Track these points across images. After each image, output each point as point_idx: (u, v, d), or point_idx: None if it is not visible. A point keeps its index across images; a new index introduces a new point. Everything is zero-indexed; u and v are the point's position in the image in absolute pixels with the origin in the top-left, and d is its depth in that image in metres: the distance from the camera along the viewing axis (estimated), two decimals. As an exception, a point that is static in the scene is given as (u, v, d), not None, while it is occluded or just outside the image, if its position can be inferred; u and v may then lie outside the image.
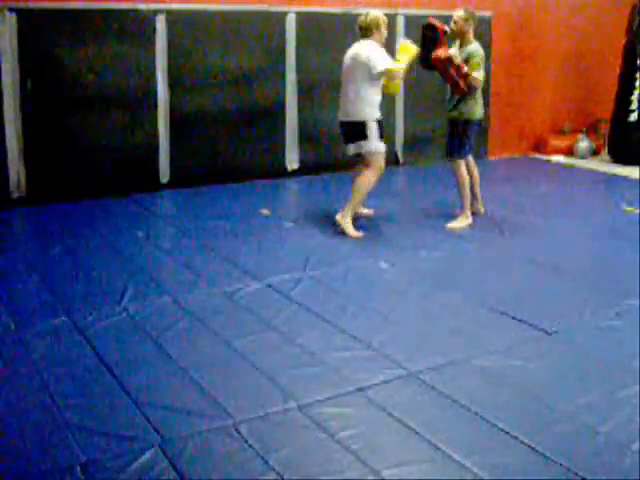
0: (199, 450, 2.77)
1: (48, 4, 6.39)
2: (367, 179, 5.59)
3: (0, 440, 2.84)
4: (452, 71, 5.57)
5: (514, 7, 8.81)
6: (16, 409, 3.07)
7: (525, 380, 3.34)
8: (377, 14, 5.56)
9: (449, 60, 5.53)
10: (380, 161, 5.59)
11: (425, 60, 5.73)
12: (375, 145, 5.53)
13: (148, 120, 6.94)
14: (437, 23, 5.65)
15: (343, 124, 5.66)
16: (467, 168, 5.97)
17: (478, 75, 5.60)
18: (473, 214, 6.06)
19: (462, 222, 5.85)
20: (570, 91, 9.39)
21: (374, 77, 5.42)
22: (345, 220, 5.57)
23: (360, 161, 5.69)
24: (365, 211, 6.05)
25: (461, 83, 5.59)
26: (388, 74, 5.42)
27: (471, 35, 5.73)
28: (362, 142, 5.51)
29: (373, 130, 5.49)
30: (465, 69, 5.56)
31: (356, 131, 5.52)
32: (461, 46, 5.75)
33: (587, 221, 6.20)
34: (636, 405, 3.09)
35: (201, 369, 3.41)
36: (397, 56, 5.56)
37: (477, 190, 6.10)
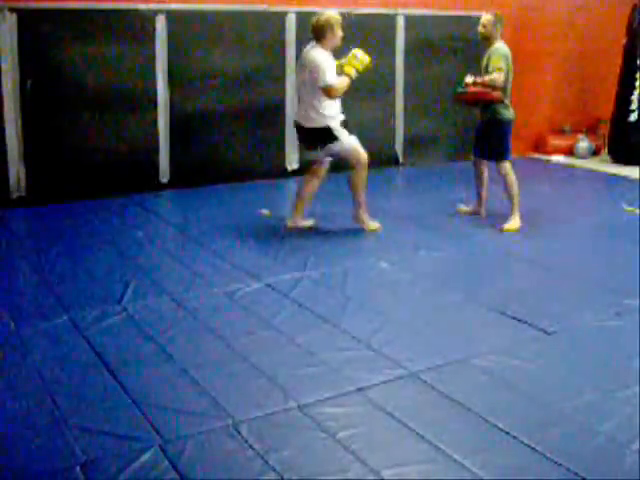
0: (199, 450, 2.77)
1: (48, 4, 6.39)
2: (359, 177, 5.52)
3: (0, 440, 2.84)
4: (478, 94, 5.66)
5: (514, 7, 8.81)
6: (16, 409, 3.06)
7: (525, 380, 3.34)
8: (330, 15, 5.32)
9: (468, 89, 5.70)
10: (361, 153, 5.49)
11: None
12: (348, 142, 5.43)
13: (148, 120, 6.93)
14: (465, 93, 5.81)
15: (303, 129, 5.50)
16: (480, 169, 5.96)
17: (495, 75, 5.52)
18: (475, 214, 6.06)
19: (516, 223, 5.77)
20: (570, 91, 9.39)
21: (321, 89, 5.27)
22: (363, 218, 5.60)
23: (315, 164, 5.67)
24: (307, 223, 5.82)
25: (490, 95, 5.59)
26: (327, 91, 5.24)
27: (497, 37, 5.69)
28: (334, 143, 5.39)
29: (339, 130, 5.39)
30: (486, 78, 5.57)
31: (322, 136, 5.39)
32: (488, 49, 5.74)
33: (587, 221, 6.20)
34: (636, 405, 3.09)
35: (201, 369, 3.41)
36: (348, 66, 5.33)
37: (484, 192, 6.08)
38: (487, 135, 5.81)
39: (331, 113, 5.37)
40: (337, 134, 5.38)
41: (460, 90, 5.80)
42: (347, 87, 5.36)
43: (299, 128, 5.60)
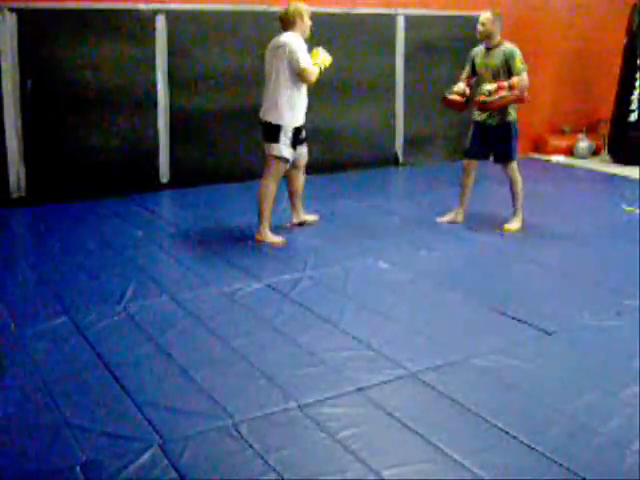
0: (199, 450, 2.77)
1: (48, 4, 6.39)
2: (268, 187, 5.36)
3: (0, 440, 2.84)
4: (510, 99, 5.49)
5: (514, 7, 8.81)
6: (16, 409, 3.06)
7: (525, 380, 3.34)
8: (299, 5, 5.31)
9: (495, 96, 5.50)
10: (280, 168, 5.35)
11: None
12: (282, 151, 5.27)
13: (148, 120, 6.94)
14: (450, 98, 5.75)
15: (261, 123, 5.39)
16: (472, 172, 5.88)
17: (524, 77, 5.46)
18: (454, 223, 5.94)
19: (517, 224, 5.76)
20: (570, 91, 9.39)
21: (297, 73, 5.16)
22: (264, 234, 5.38)
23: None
24: (310, 218, 5.86)
25: (523, 97, 5.52)
26: (303, 74, 5.14)
27: (498, 36, 5.60)
28: (272, 144, 5.26)
29: (288, 135, 5.24)
30: (512, 81, 5.44)
31: (269, 132, 5.27)
32: (489, 49, 5.63)
33: (587, 221, 6.20)
34: (636, 405, 3.09)
35: (201, 369, 3.41)
36: (317, 58, 5.27)
37: (468, 197, 5.97)
38: (499, 137, 5.71)
39: (291, 115, 5.24)
40: (280, 138, 5.23)
41: (489, 99, 5.51)
42: (318, 77, 5.25)
43: (260, 123, 5.44)
